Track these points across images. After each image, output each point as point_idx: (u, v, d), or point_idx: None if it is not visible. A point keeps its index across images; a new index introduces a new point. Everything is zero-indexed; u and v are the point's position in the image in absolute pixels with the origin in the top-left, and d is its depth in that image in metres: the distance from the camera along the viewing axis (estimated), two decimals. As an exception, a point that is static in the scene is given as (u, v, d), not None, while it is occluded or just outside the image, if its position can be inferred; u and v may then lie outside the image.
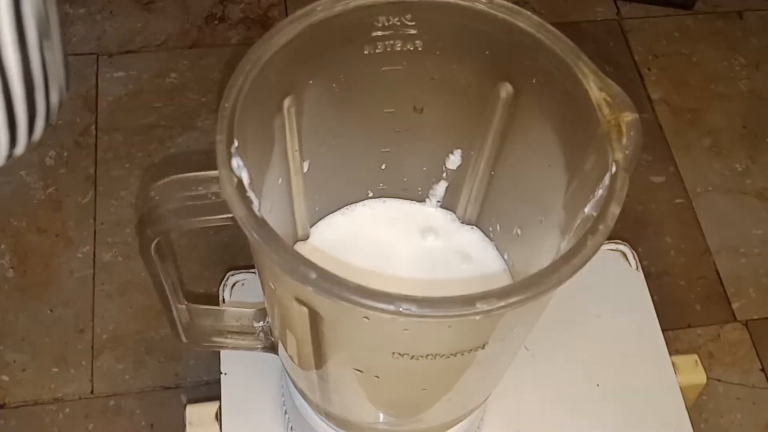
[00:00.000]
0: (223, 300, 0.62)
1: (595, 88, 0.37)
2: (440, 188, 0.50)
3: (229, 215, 0.34)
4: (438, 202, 0.51)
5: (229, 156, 0.34)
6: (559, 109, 0.40)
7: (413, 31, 0.41)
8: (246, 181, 0.34)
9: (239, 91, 0.36)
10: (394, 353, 0.36)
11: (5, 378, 0.81)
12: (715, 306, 0.91)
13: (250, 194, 0.34)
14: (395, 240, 0.49)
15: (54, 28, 0.30)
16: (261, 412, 0.57)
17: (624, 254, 0.65)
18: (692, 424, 0.59)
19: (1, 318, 0.85)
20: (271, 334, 0.49)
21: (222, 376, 0.58)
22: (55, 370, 0.82)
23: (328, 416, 0.49)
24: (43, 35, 0.30)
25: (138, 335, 0.84)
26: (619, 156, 0.35)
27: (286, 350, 0.44)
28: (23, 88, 0.30)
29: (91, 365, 0.83)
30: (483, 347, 0.37)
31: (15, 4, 0.27)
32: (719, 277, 0.92)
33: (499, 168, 0.46)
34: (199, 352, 0.82)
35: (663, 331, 0.62)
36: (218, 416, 0.59)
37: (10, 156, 0.32)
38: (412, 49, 0.42)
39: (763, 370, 0.87)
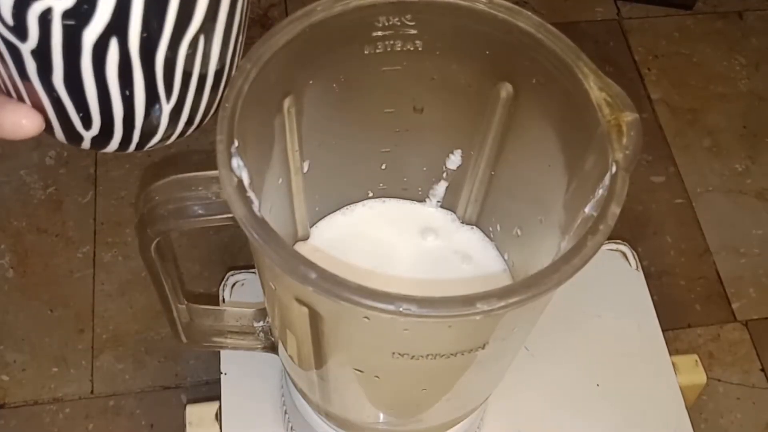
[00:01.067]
0: (223, 300, 0.62)
1: (595, 88, 0.37)
2: (440, 188, 0.50)
3: (229, 215, 0.34)
4: (438, 202, 0.51)
5: (229, 156, 0.34)
6: (559, 109, 0.40)
7: (413, 31, 0.41)
8: (246, 181, 0.34)
9: (239, 91, 0.36)
10: (394, 353, 0.36)
11: (5, 378, 0.81)
12: (715, 306, 0.91)
13: (250, 194, 0.34)
14: (395, 240, 0.49)
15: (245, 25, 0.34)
16: (261, 412, 0.57)
17: (624, 254, 0.65)
18: (692, 424, 0.59)
19: (1, 318, 0.85)
20: (271, 334, 0.49)
21: (222, 376, 0.58)
22: (55, 370, 0.82)
23: (328, 416, 0.49)
24: (241, 31, 0.34)
25: (138, 335, 0.84)
26: (619, 156, 0.35)
27: (286, 350, 0.44)
28: (225, 74, 0.34)
29: (91, 365, 0.83)
30: (483, 347, 0.37)
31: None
32: (719, 277, 0.92)
33: (499, 168, 0.46)
34: (199, 352, 0.82)
35: (663, 331, 0.62)
36: (218, 416, 0.59)
37: (199, 126, 0.35)
38: (412, 49, 0.42)
39: (763, 370, 0.87)
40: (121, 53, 0.29)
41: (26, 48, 0.29)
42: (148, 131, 0.33)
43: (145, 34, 0.29)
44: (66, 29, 0.28)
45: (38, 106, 0.31)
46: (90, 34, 0.28)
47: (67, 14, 0.27)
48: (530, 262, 0.46)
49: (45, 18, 0.28)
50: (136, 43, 0.29)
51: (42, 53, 0.29)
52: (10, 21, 0.28)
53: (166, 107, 0.32)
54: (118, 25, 0.28)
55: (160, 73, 0.30)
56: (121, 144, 0.33)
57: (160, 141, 0.34)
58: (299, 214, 0.47)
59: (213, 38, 0.31)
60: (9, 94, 0.31)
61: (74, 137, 0.32)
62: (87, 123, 0.31)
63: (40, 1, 0.27)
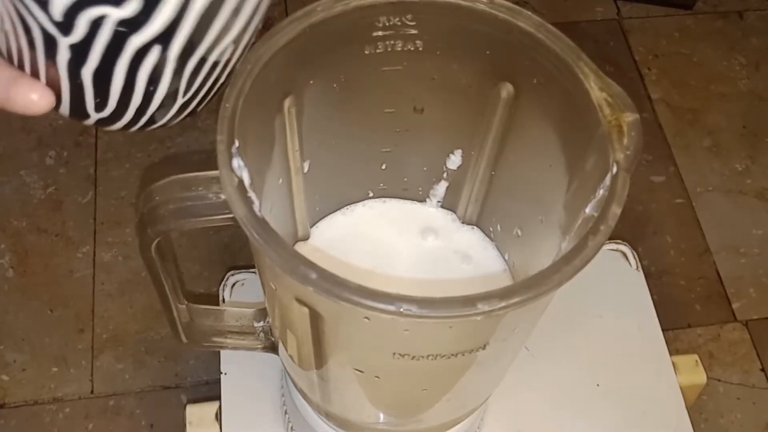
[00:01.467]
0: (223, 300, 0.62)
1: (596, 88, 0.37)
2: (441, 188, 0.50)
3: (230, 215, 0.34)
4: (438, 202, 0.51)
5: (230, 156, 0.34)
6: (560, 109, 0.40)
7: (413, 31, 0.41)
8: (246, 181, 0.34)
9: (239, 91, 0.36)
10: (394, 354, 0.36)
11: (5, 378, 0.81)
12: (715, 306, 0.91)
13: (251, 194, 0.33)
14: (395, 240, 0.49)
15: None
16: (261, 412, 0.57)
17: (624, 254, 0.65)
18: (692, 424, 0.59)
19: (1, 318, 0.85)
20: (272, 334, 0.49)
21: (222, 376, 0.58)
22: (55, 369, 0.82)
23: (329, 416, 0.49)
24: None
25: (138, 335, 0.84)
26: (619, 156, 0.35)
27: (286, 350, 0.44)
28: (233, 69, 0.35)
29: (91, 365, 0.83)
30: (484, 348, 0.37)
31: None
32: (719, 277, 0.92)
33: (499, 168, 0.46)
34: (199, 352, 0.82)
35: (663, 330, 0.62)
36: (218, 416, 0.59)
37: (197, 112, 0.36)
38: (412, 49, 0.42)
39: (763, 370, 0.87)
40: (159, 58, 0.30)
41: (65, 41, 0.29)
42: (156, 118, 0.34)
43: (187, 45, 0.30)
44: (115, 34, 0.28)
45: (54, 86, 0.31)
46: (136, 41, 0.29)
47: (122, 22, 0.28)
48: (530, 263, 0.46)
49: (97, 22, 0.28)
50: (176, 51, 0.30)
51: (81, 49, 0.29)
52: (58, 17, 0.28)
53: (180, 100, 0.33)
54: (166, 35, 0.29)
55: (187, 74, 0.31)
56: (125, 126, 0.34)
57: (162, 126, 0.35)
58: (299, 214, 0.47)
59: (240, 44, 0.33)
60: (22, 68, 0.31)
61: (81, 115, 0.33)
62: (101, 107, 0.32)
63: (98, 8, 0.28)
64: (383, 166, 0.49)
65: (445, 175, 0.49)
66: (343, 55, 0.41)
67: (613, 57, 1.09)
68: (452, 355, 0.36)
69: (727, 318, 0.90)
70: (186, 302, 0.47)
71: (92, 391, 0.81)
